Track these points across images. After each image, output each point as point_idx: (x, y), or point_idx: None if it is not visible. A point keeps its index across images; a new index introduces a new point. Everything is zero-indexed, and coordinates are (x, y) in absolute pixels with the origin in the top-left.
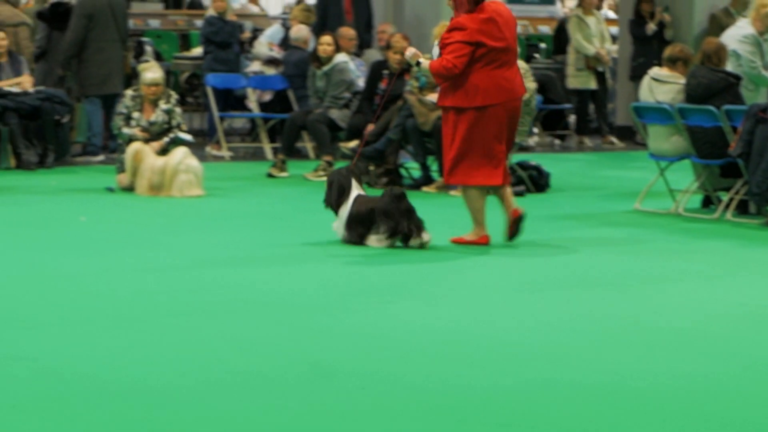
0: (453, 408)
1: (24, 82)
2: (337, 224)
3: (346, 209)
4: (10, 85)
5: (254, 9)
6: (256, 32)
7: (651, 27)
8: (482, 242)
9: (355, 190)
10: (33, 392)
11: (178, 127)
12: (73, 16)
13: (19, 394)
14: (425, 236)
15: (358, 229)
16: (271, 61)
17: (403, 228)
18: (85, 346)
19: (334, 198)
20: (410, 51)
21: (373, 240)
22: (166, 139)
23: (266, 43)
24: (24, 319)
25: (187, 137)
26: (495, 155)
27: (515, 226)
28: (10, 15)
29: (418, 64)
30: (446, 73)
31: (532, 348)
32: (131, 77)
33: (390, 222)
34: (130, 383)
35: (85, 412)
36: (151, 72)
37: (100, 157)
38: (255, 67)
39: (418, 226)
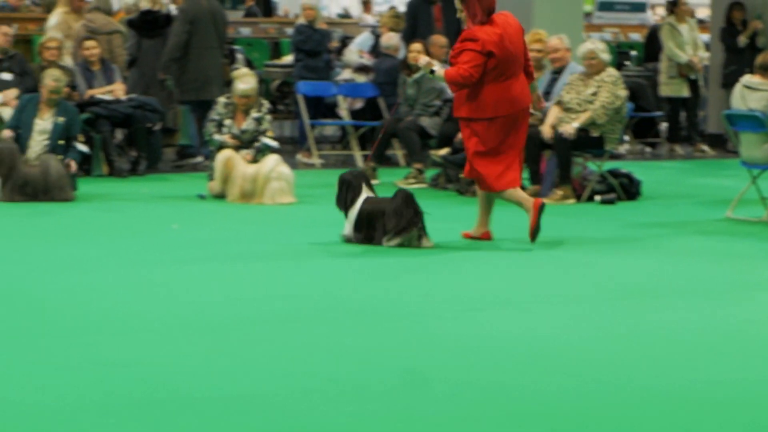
0: (545, 415)
1: (116, 90)
2: (348, 227)
3: (354, 210)
4: (103, 93)
5: (369, 19)
6: (346, 40)
7: (743, 40)
8: (537, 206)
9: (365, 193)
10: (125, 398)
11: (264, 133)
12: (175, 21)
13: (111, 399)
14: (426, 243)
15: (365, 230)
16: (361, 69)
17: (410, 228)
18: (177, 353)
19: (344, 199)
20: (423, 59)
21: (381, 240)
22: (251, 150)
23: (356, 51)
24: (116, 326)
25: (273, 143)
26: (510, 161)
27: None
28: (104, 23)
29: (432, 72)
30: (463, 81)
31: (625, 356)
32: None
33: (397, 222)
34: (221, 391)
35: (176, 418)
36: (244, 83)
37: (199, 159)
38: (346, 74)
39: (421, 232)
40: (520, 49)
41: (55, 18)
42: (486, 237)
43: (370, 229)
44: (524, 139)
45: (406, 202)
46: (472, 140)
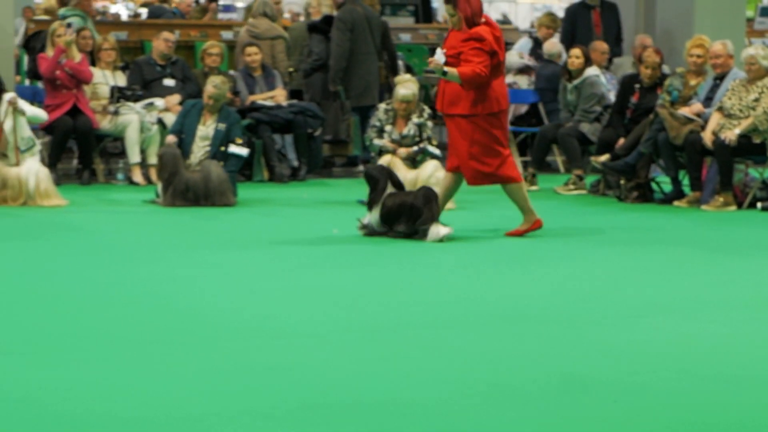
0: (709, 424)
1: (277, 96)
2: (367, 219)
3: (378, 205)
4: (264, 98)
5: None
6: (507, 45)
7: None
8: (537, 227)
9: (389, 188)
10: (286, 401)
11: (429, 140)
12: (334, 30)
13: (272, 402)
14: (443, 230)
15: (387, 224)
16: (523, 70)
17: (425, 222)
18: (337, 357)
19: (369, 193)
20: (436, 61)
21: (400, 233)
22: (415, 148)
23: (517, 53)
24: (278, 330)
25: (436, 151)
26: (506, 155)
27: None
28: (267, 28)
29: (444, 73)
30: (479, 80)
31: None
32: (385, 89)
33: (415, 216)
34: (381, 396)
35: (337, 423)
36: (405, 88)
37: (359, 167)
38: (508, 78)
39: (435, 220)
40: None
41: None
42: (537, 226)
43: (395, 223)
44: None
45: (428, 199)
46: (475, 138)
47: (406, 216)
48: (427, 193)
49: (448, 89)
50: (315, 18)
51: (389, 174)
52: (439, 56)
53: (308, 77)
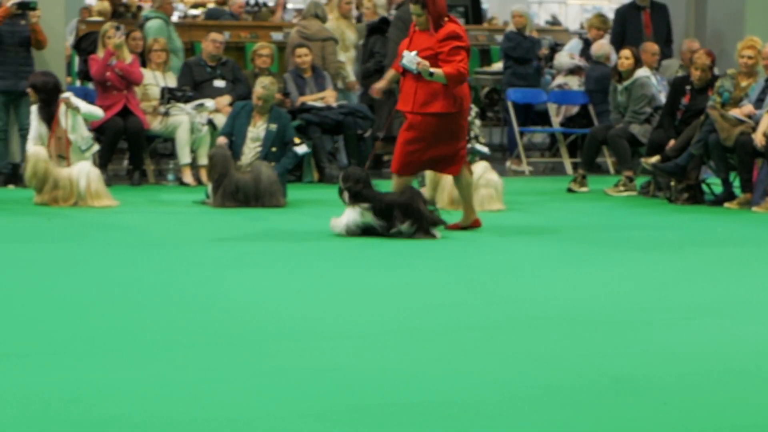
0: (758, 427)
1: (327, 97)
2: (339, 219)
3: (370, 203)
4: (314, 99)
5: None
6: (557, 47)
7: None
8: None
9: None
10: (337, 403)
11: (476, 138)
12: (392, 29)
13: (323, 404)
14: (434, 235)
15: (388, 221)
16: (573, 71)
17: (422, 223)
18: (386, 359)
19: (353, 189)
20: (424, 63)
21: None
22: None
23: (567, 54)
24: (326, 331)
25: (484, 149)
26: (461, 151)
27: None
28: (318, 30)
29: (431, 74)
30: (462, 79)
31: None
32: None
33: (409, 217)
34: (431, 397)
35: (387, 424)
36: None
37: None
38: (559, 80)
39: (432, 222)
40: None
41: (328, 25)
42: (476, 224)
43: (384, 221)
44: None
45: (413, 199)
46: (440, 134)
47: (412, 215)
48: (420, 194)
49: (421, 90)
50: (369, 20)
51: (368, 177)
52: (416, 58)
53: (369, 77)
